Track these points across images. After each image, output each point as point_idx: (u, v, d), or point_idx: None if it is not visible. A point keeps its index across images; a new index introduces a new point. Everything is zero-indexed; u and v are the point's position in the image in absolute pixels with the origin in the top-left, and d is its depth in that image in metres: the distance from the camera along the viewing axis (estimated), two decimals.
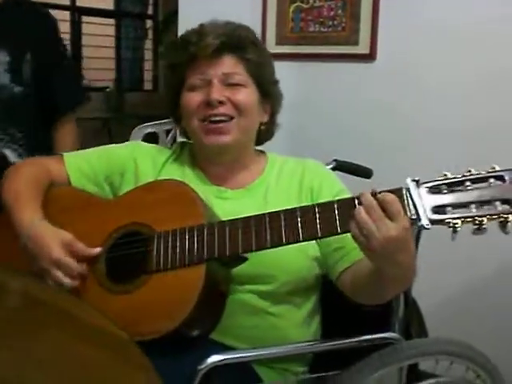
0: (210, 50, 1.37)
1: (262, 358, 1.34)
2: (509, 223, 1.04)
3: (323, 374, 1.34)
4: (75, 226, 1.34)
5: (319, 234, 1.16)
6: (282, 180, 1.45)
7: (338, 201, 1.16)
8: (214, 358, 1.19)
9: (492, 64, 2.24)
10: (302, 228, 1.17)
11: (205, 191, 1.37)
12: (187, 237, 1.25)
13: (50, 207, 1.41)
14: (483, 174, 1.07)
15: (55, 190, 1.49)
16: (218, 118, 1.38)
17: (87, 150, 1.58)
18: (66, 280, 1.26)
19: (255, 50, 1.43)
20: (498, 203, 1.05)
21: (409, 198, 1.10)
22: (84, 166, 1.51)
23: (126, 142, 1.61)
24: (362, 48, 2.47)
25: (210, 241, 1.23)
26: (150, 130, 4.24)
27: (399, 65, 2.42)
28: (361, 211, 1.08)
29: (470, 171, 1.08)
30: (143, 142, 1.61)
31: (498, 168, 1.07)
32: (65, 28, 7.05)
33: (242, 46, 1.41)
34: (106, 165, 1.51)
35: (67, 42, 7.26)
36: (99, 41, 7.22)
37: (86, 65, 7.35)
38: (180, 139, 1.61)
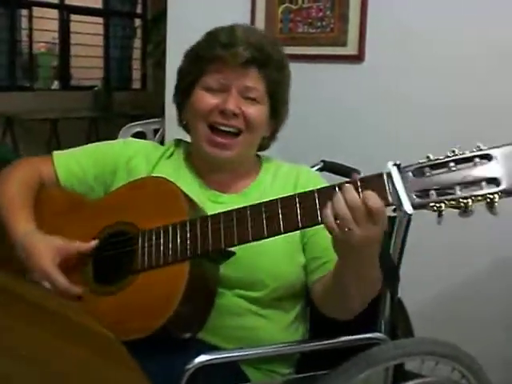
0: (238, 61, 1.35)
1: (249, 359, 1.34)
2: (496, 203, 1.00)
3: (310, 373, 1.34)
4: (64, 230, 1.35)
5: (300, 225, 1.13)
6: (276, 184, 1.45)
7: (318, 190, 1.12)
8: (202, 358, 1.19)
9: (481, 65, 2.25)
10: (282, 220, 1.14)
11: (199, 194, 1.38)
12: (170, 234, 1.24)
13: (39, 211, 1.42)
14: (467, 153, 1.03)
15: (45, 193, 1.48)
16: (226, 129, 1.37)
17: (77, 148, 1.56)
18: (56, 291, 1.26)
19: (279, 69, 1.43)
20: (483, 183, 1.00)
21: (390, 184, 1.05)
22: (73, 165, 1.50)
23: (118, 140, 1.59)
24: (351, 49, 2.48)
25: (192, 237, 1.22)
26: (138, 129, 4.25)
27: (387, 66, 2.43)
28: (341, 204, 1.05)
29: (453, 151, 1.04)
30: (136, 139, 1.59)
31: (483, 146, 1.03)
32: (53, 26, 7.04)
33: (269, 64, 1.40)
34: (95, 164, 1.49)
35: (56, 41, 7.25)
36: (87, 39, 7.19)
37: (74, 63, 7.33)
38: (167, 139, 1.61)
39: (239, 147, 1.39)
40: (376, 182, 1.06)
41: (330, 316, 1.32)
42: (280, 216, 1.15)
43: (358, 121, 2.50)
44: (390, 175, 1.06)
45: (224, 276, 1.30)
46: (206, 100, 1.38)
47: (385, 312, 1.45)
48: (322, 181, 1.46)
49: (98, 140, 1.70)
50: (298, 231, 1.33)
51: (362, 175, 1.09)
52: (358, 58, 2.47)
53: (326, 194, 1.09)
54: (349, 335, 1.34)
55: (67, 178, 1.50)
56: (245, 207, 1.20)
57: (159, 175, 1.39)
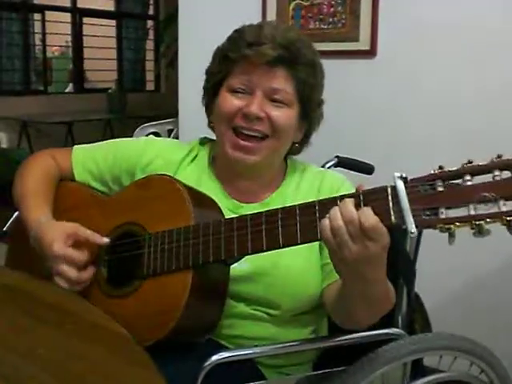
0: (265, 60, 1.28)
1: (266, 359, 1.33)
2: None
3: (327, 370, 1.33)
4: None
5: (299, 241, 1.08)
6: (299, 194, 1.38)
7: (320, 201, 1.07)
8: (219, 356, 1.18)
9: (493, 59, 2.23)
10: (282, 234, 1.09)
11: (219, 203, 1.31)
12: (175, 240, 1.22)
13: (57, 205, 1.42)
14: (486, 164, 0.92)
15: (62, 187, 1.49)
16: (251, 133, 1.30)
17: (98, 144, 1.54)
18: (72, 273, 1.24)
19: (310, 69, 1.34)
20: (502, 202, 0.89)
21: (394, 200, 0.97)
22: (90, 163, 1.49)
23: (140, 138, 1.53)
24: (363, 44, 2.46)
25: (195, 245, 1.19)
26: (152, 129, 4.26)
27: (400, 60, 2.42)
28: (338, 217, 0.99)
29: (470, 162, 0.93)
30: (158, 140, 1.53)
31: (505, 157, 0.91)
32: (66, 30, 7.08)
33: (298, 62, 1.31)
34: (113, 164, 1.46)
35: (69, 44, 7.30)
36: (100, 42, 7.23)
37: (87, 66, 7.37)
38: (181, 139, 1.60)
39: (264, 152, 1.31)
40: (379, 197, 0.99)
41: (337, 323, 1.29)
42: (279, 229, 1.10)
43: (371, 116, 2.49)
44: (394, 189, 0.97)
45: (240, 292, 1.28)
46: (230, 102, 1.32)
47: (402, 307, 1.44)
48: (347, 185, 1.39)
49: None
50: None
51: (367, 188, 1.02)
52: (371, 53, 2.45)
53: (327, 206, 1.04)
54: (366, 331, 1.33)
55: (83, 174, 1.49)
56: (246, 216, 1.16)
57: (164, 173, 1.35)
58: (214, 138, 1.45)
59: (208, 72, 1.42)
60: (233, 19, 1.43)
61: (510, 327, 2.28)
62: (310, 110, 1.37)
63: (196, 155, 1.46)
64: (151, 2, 8.02)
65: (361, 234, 0.98)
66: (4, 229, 1.60)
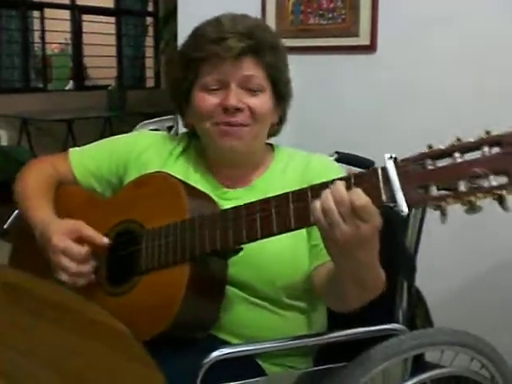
0: (233, 53, 1.31)
1: (266, 354, 1.34)
2: (506, 199, 0.88)
3: (328, 366, 1.33)
4: None
5: (292, 226, 1.08)
6: (285, 176, 1.41)
7: (312, 187, 1.07)
8: (219, 352, 1.19)
9: (494, 55, 2.23)
10: (276, 220, 1.10)
11: (210, 192, 1.35)
12: (171, 234, 1.23)
13: (56, 209, 1.43)
14: (475, 140, 0.92)
15: (62, 191, 1.50)
16: (234, 126, 1.33)
17: (93, 144, 1.57)
18: (71, 265, 1.26)
19: (274, 52, 1.38)
20: (492, 176, 0.89)
21: (384, 180, 0.97)
22: (88, 162, 1.52)
23: (132, 133, 1.57)
24: (363, 39, 2.46)
25: (190, 238, 1.20)
26: (152, 126, 4.26)
27: (400, 55, 2.41)
28: (329, 198, 0.99)
29: (459, 139, 0.93)
30: (149, 132, 1.56)
31: (493, 133, 0.92)
32: (65, 27, 7.07)
33: (263, 48, 1.35)
34: (109, 159, 1.50)
35: (68, 41, 7.29)
36: (100, 39, 7.21)
37: (87, 63, 7.36)
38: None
39: (248, 137, 1.35)
40: (369, 179, 0.99)
41: (329, 307, 1.30)
42: (273, 216, 1.10)
43: (370, 111, 2.48)
44: (385, 170, 0.98)
45: (232, 277, 1.29)
46: (207, 101, 1.34)
47: (402, 302, 1.44)
48: (330, 168, 1.41)
49: None
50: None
51: (361, 171, 1.03)
52: (371, 48, 2.45)
53: (319, 190, 1.03)
54: (366, 326, 1.33)
55: (83, 174, 1.51)
56: (240, 206, 1.16)
57: (162, 170, 1.38)
58: None
59: (173, 81, 1.44)
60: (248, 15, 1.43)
61: None
62: (281, 90, 1.41)
63: (186, 146, 1.50)
64: None
65: (352, 214, 0.98)
66: (5, 226, 1.61)
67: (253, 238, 1.14)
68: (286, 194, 1.10)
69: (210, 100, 1.34)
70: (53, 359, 0.97)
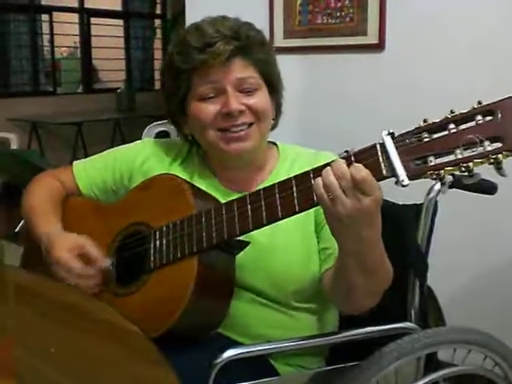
0: (223, 58, 1.29)
1: (278, 354, 1.34)
2: (502, 163, 0.92)
3: (341, 365, 1.33)
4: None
5: (297, 209, 1.10)
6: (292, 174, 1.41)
7: (313, 170, 1.09)
8: (231, 352, 1.19)
9: (501, 51, 2.21)
10: (280, 205, 1.12)
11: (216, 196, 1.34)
12: (178, 229, 1.24)
13: (65, 220, 1.45)
14: (468, 111, 0.95)
15: (68, 202, 1.52)
16: (239, 128, 1.32)
17: (96, 156, 1.58)
18: (75, 281, 1.28)
19: (262, 48, 1.37)
20: (487, 143, 0.92)
21: (384, 155, 1.00)
22: (92, 174, 1.53)
23: (135, 142, 1.57)
24: (371, 38, 2.45)
25: (198, 231, 1.21)
26: (161, 128, 4.26)
27: (408, 54, 2.40)
28: (329, 174, 1.02)
29: (452, 111, 0.96)
30: (151, 140, 1.57)
31: (485, 102, 0.95)
32: (74, 30, 7.09)
33: (251, 46, 1.34)
34: (113, 170, 1.51)
35: (77, 45, 7.31)
36: (108, 42, 7.23)
37: (96, 66, 7.38)
38: None
39: (255, 136, 1.34)
40: (370, 154, 1.02)
41: (340, 309, 1.30)
42: (278, 202, 1.12)
43: (379, 110, 2.47)
44: (383, 145, 1.01)
45: (242, 281, 1.29)
46: (206, 110, 1.32)
47: (414, 301, 1.44)
48: None
49: (123, 141, 1.73)
50: (313, 222, 1.33)
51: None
52: (379, 46, 2.44)
53: (321, 171, 1.05)
54: (379, 325, 1.32)
55: (88, 187, 1.53)
56: (245, 195, 1.18)
57: (166, 172, 1.39)
58: None
59: (167, 93, 1.41)
60: (240, 16, 1.42)
61: None
62: (275, 83, 1.41)
63: (188, 151, 1.49)
64: (158, 1, 8.02)
65: (353, 187, 1.00)
66: (16, 230, 1.62)
67: (258, 225, 1.16)
68: (289, 178, 1.12)
69: (209, 108, 1.32)
70: (68, 361, 0.97)
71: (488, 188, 1.42)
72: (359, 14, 2.46)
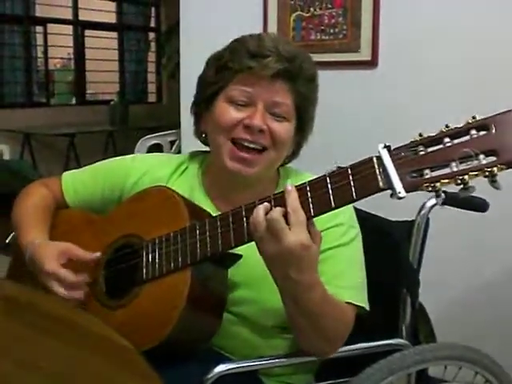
0: (269, 73, 1.25)
1: (269, 371, 1.33)
2: (496, 176, 0.93)
3: (331, 382, 1.33)
4: None
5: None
6: None
7: (246, 206, 1.14)
8: (221, 368, 1.18)
9: (495, 70, 2.24)
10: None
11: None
12: (171, 242, 1.23)
13: (51, 233, 1.44)
14: (463, 125, 0.97)
15: (59, 213, 1.51)
16: (251, 146, 1.28)
17: (86, 168, 1.55)
18: (61, 291, 1.26)
19: (309, 84, 1.34)
20: (482, 156, 0.93)
21: (380, 168, 1.01)
22: (79, 188, 1.51)
23: (127, 156, 1.53)
24: (364, 55, 2.47)
25: (191, 244, 1.20)
26: (154, 141, 4.28)
27: (401, 71, 2.42)
28: (259, 213, 1.08)
29: (447, 126, 0.98)
30: (144, 155, 1.54)
31: (478, 117, 0.97)
32: (68, 42, 7.11)
33: (299, 77, 1.30)
34: (102, 187, 1.48)
35: (71, 56, 7.33)
36: (102, 54, 7.25)
37: (89, 78, 7.40)
38: (184, 150, 1.59)
39: (262, 164, 1.30)
40: (366, 167, 1.03)
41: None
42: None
43: (371, 127, 2.49)
44: (380, 158, 1.02)
45: (232, 310, 1.29)
46: (230, 114, 1.29)
47: (406, 317, 1.44)
48: None
49: (116, 153, 1.71)
50: None
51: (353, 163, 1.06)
52: (372, 63, 2.46)
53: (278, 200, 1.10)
54: (370, 342, 1.32)
55: (74, 200, 1.51)
56: (240, 207, 1.17)
57: (158, 184, 1.37)
58: (205, 149, 1.44)
59: (203, 81, 1.38)
60: (234, 31, 1.42)
61: None
62: (305, 124, 1.37)
63: (185, 169, 1.45)
64: (153, 14, 8.06)
65: (267, 229, 1.06)
66: (7, 241, 1.61)
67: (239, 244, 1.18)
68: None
69: (234, 114, 1.29)
70: (57, 374, 0.96)
71: (480, 205, 1.45)
72: (352, 30, 2.48)
